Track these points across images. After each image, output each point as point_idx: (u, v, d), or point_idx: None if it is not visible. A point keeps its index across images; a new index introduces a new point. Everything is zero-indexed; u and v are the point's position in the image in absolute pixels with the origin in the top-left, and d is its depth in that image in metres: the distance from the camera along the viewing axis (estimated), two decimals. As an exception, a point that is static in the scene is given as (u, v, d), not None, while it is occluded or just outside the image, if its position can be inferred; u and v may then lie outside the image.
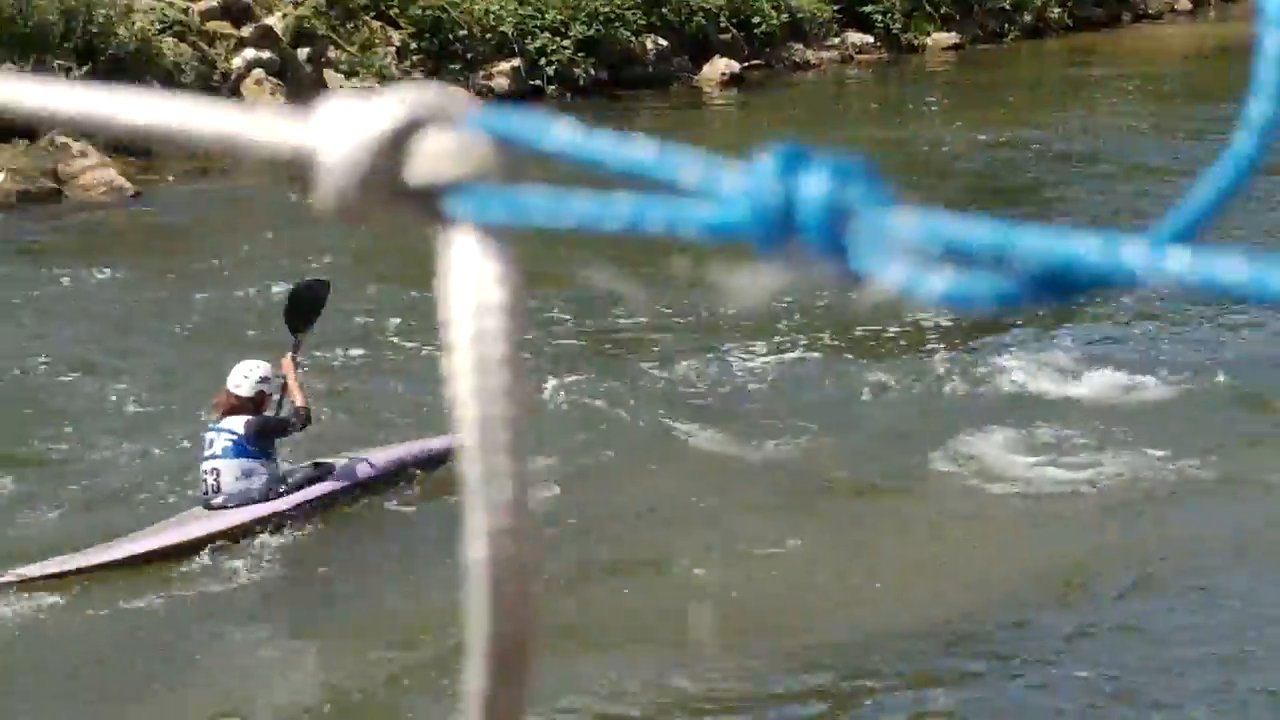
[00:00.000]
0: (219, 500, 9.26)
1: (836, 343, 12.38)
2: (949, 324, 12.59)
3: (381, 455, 9.85)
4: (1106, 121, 22.20)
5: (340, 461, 9.70)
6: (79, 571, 8.56)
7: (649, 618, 8.19)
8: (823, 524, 9.35)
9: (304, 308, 9.97)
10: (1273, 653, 7.87)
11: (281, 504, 9.28)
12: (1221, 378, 11.47)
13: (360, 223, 0.82)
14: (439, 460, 9.59)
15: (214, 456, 9.30)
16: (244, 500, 9.25)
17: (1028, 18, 29.28)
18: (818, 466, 10.07)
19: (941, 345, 12.23)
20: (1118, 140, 20.69)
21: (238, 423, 9.26)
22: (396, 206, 0.81)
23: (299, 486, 9.42)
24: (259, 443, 9.31)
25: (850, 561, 8.89)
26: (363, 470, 9.66)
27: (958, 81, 25.76)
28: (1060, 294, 0.65)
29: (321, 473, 9.57)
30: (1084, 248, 0.65)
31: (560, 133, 0.77)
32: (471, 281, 0.80)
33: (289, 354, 9.69)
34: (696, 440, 10.45)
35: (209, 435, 9.39)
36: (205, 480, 9.32)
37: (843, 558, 8.93)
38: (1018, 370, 11.59)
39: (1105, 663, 7.75)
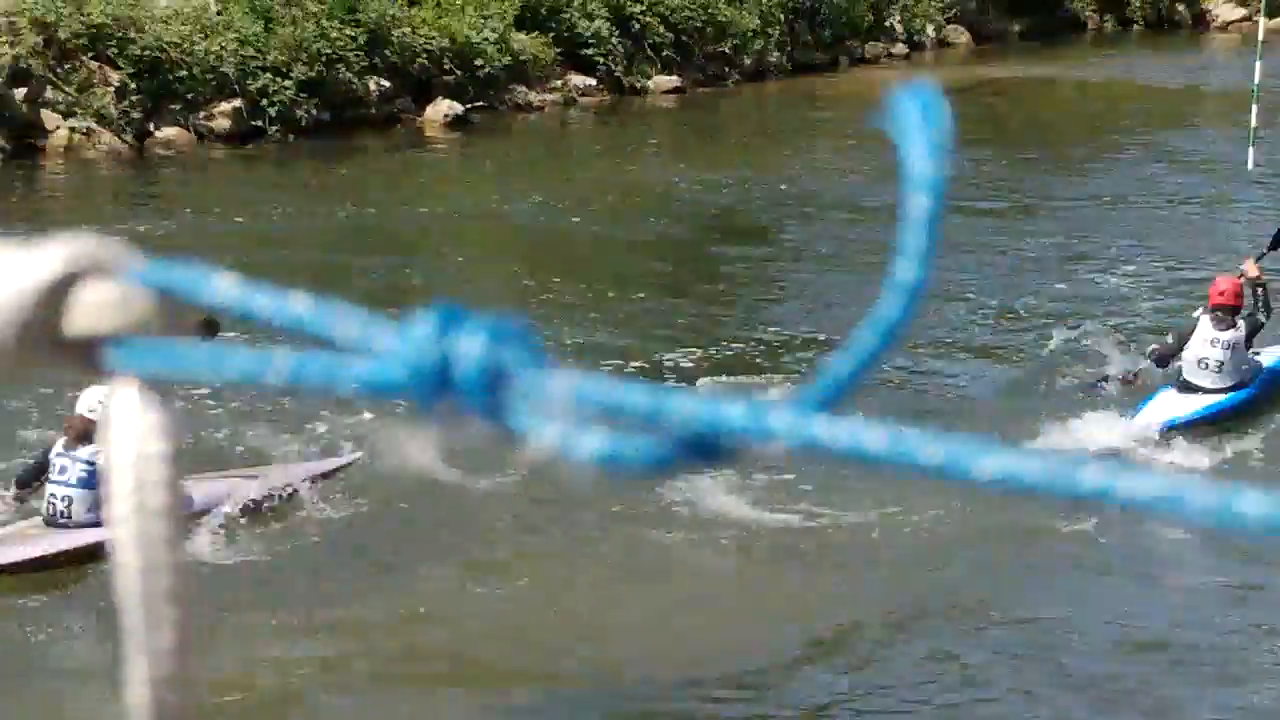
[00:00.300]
0: (71, 527, 9.14)
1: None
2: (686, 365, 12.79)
3: (224, 484, 9.86)
4: (828, 162, 22.77)
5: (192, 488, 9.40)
6: None
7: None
8: (558, 560, 9.42)
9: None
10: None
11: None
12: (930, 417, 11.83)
13: (19, 372, 0.81)
14: (320, 477, 10.00)
15: (67, 484, 9.17)
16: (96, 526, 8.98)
17: (748, 61, 29.85)
18: (546, 503, 10.10)
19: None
20: (839, 181, 21.25)
21: (93, 451, 8.97)
22: (56, 358, 0.80)
23: None
24: None
25: (591, 597, 8.94)
26: (214, 494, 9.59)
27: (680, 124, 26.15)
28: (710, 457, 0.67)
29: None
30: (732, 413, 0.66)
31: (221, 286, 0.77)
32: (131, 432, 0.79)
33: None
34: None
35: (60, 460, 9.20)
36: (53, 504, 9.20)
37: (582, 592, 8.99)
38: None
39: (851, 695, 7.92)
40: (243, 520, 9.59)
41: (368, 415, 10.77)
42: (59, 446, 9.28)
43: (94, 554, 8.67)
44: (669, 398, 0.69)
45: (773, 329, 14.37)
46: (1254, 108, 19.20)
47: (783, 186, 20.98)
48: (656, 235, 18.30)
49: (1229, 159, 21.77)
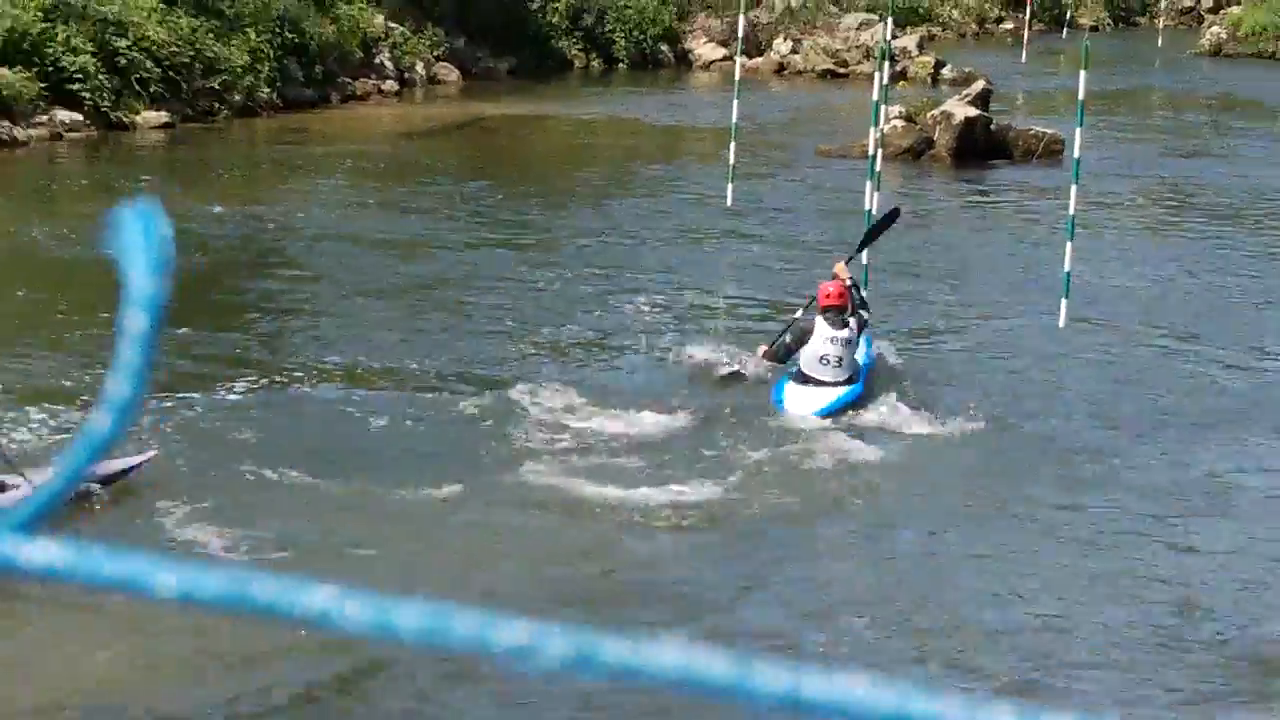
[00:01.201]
0: None
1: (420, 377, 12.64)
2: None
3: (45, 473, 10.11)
4: (322, 195, 23.34)
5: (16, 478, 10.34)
6: None
7: None
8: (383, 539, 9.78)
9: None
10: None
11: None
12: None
13: None
14: (114, 478, 10.87)
15: None
16: None
17: (239, 98, 30.11)
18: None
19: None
20: (335, 214, 21.85)
21: None
22: None
23: None
24: None
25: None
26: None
27: (172, 159, 26.24)
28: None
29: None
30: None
31: None
32: None
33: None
34: None
35: None
36: None
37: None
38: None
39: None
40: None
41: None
42: None
43: None
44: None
45: (292, 355, 14.83)
46: (732, 145, 20.77)
47: (276, 220, 21.47)
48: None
49: (711, 194, 23.38)
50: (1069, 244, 15.25)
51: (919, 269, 18.26)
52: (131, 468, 11.16)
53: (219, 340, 15.28)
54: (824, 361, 14.03)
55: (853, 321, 14.16)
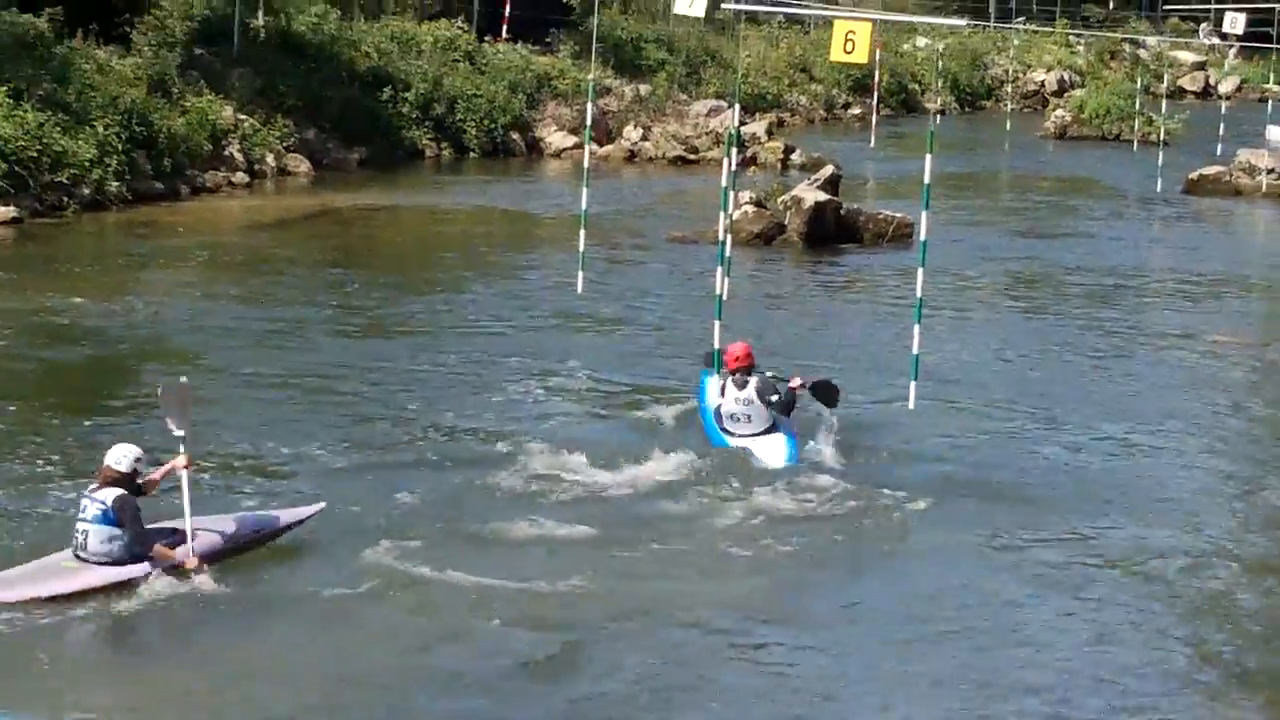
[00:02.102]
0: (85, 556, 11.51)
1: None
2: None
3: (222, 524, 12.21)
4: (186, 288, 23.36)
5: (187, 527, 11.82)
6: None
7: None
8: None
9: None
10: None
11: (138, 569, 11.50)
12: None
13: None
14: (276, 533, 12.41)
15: (85, 519, 11.57)
16: (106, 560, 11.48)
17: (87, 191, 30.04)
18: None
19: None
20: (199, 305, 21.94)
21: (109, 496, 11.55)
22: None
23: (151, 553, 11.58)
24: (121, 516, 11.50)
25: None
26: (211, 540, 11.93)
27: (22, 255, 26.08)
28: None
29: (177, 539, 11.77)
30: None
31: None
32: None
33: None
34: None
35: (84, 500, 11.66)
36: (76, 537, 11.59)
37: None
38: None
39: None
40: (205, 567, 11.70)
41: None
42: (89, 488, 11.69)
43: (113, 587, 11.30)
44: None
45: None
46: (582, 232, 21.09)
47: (141, 311, 21.58)
48: (14, 362, 18.49)
49: (562, 281, 23.72)
50: (916, 327, 15.69)
51: (774, 352, 18.66)
52: (301, 520, 12.63)
53: (114, 430, 15.41)
54: (733, 419, 15.67)
55: (755, 379, 15.67)
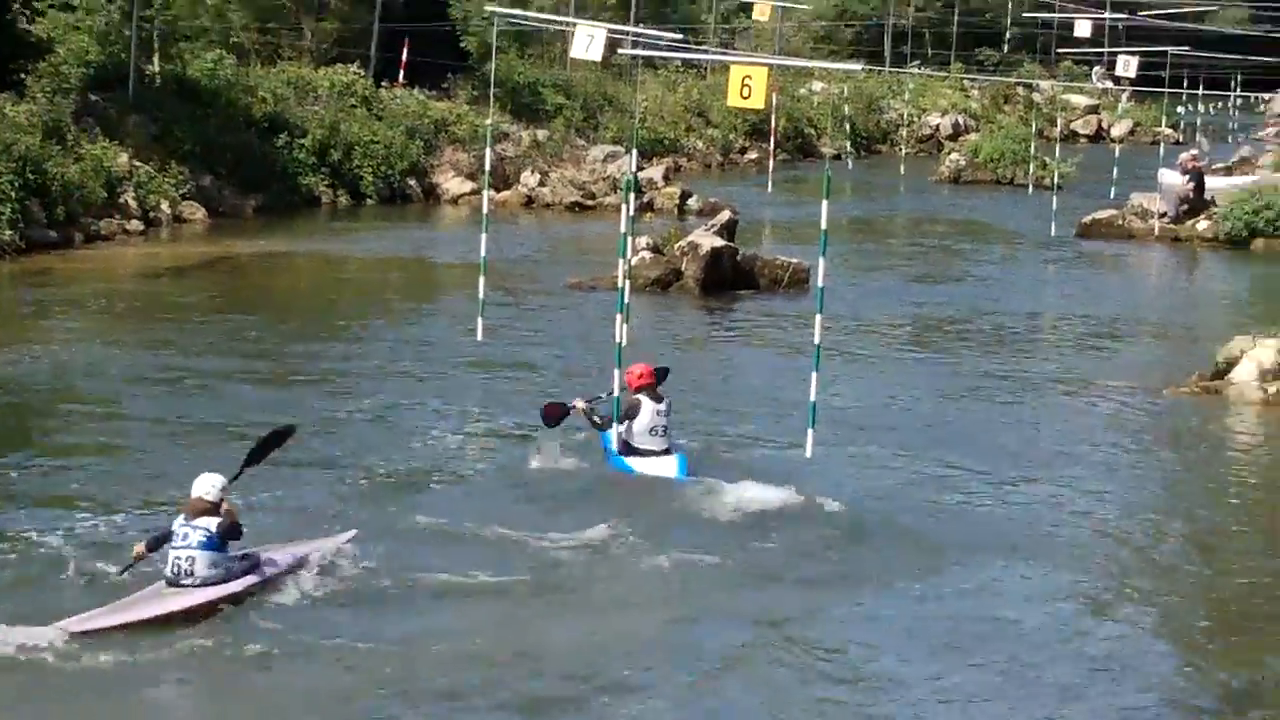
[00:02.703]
0: (189, 581, 12.50)
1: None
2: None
3: (287, 550, 13.36)
4: (85, 336, 23.29)
5: (261, 553, 13.10)
6: (124, 626, 11.79)
7: None
8: None
9: (266, 450, 13.88)
10: None
11: (237, 585, 12.62)
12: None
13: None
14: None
15: (189, 547, 12.53)
16: (212, 582, 12.52)
17: (-24, 240, 29.80)
18: None
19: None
20: (100, 353, 21.95)
21: (210, 523, 12.61)
22: None
23: (245, 572, 12.74)
24: (223, 540, 12.62)
25: None
26: (282, 560, 13.11)
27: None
28: None
29: (250, 563, 12.86)
30: None
31: None
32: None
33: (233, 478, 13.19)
34: None
35: (183, 529, 12.59)
36: (178, 565, 12.52)
37: None
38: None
39: None
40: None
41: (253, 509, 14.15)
42: (180, 520, 12.66)
43: (212, 609, 12.32)
44: None
45: (123, 493, 14.91)
46: (481, 279, 21.18)
47: (43, 359, 21.60)
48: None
49: (464, 326, 23.81)
50: (814, 373, 15.91)
51: (674, 397, 18.87)
52: (338, 547, 13.56)
53: (26, 478, 15.44)
54: (654, 433, 16.62)
55: (662, 392, 16.77)
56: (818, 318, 15.84)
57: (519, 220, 40.85)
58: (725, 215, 32.09)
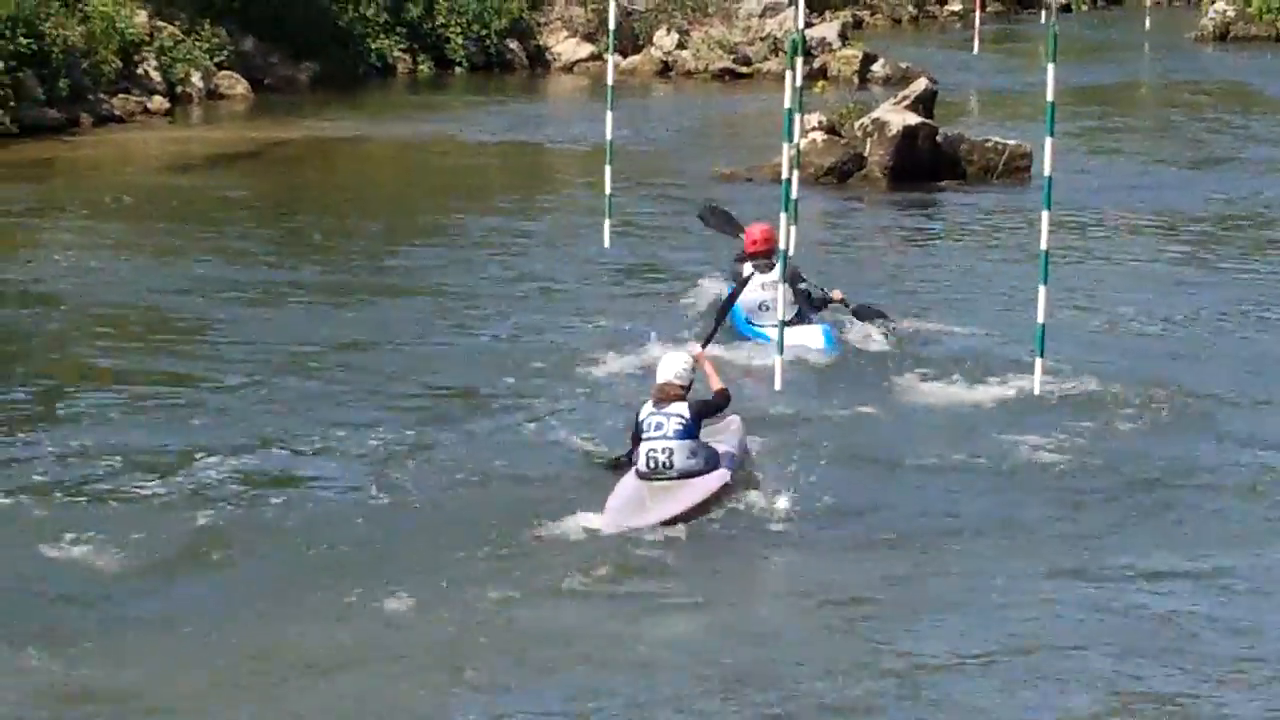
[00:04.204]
0: (673, 474, 14.12)
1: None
2: None
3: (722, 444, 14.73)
4: (89, 249, 23.51)
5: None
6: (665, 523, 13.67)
7: None
8: None
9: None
10: None
11: (714, 481, 14.14)
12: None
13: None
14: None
15: (665, 437, 14.12)
16: (691, 474, 14.10)
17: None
18: None
19: None
20: (104, 268, 22.19)
21: (683, 408, 14.23)
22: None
23: (713, 464, 14.28)
24: (698, 425, 14.23)
25: None
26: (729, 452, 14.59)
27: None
28: None
29: (711, 451, 14.41)
30: None
31: None
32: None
33: (700, 346, 15.40)
34: None
35: (655, 419, 14.18)
36: (653, 458, 14.13)
37: None
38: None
39: None
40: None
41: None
42: (649, 409, 14.28)
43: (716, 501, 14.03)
44: None
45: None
46: (607, 170, 21.24)
47: (77, 270, 22.21)
48: None
49: (584, 232, 23.87)
50: (1042, 289, 15.82)
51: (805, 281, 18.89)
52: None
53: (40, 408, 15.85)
54: (762, 308, 18.40)
55: (778, 265, 17.78)
56: (1044, 215, 15.79)
57: (653, 93, 40.86)
58: (921, 85, 31.87)
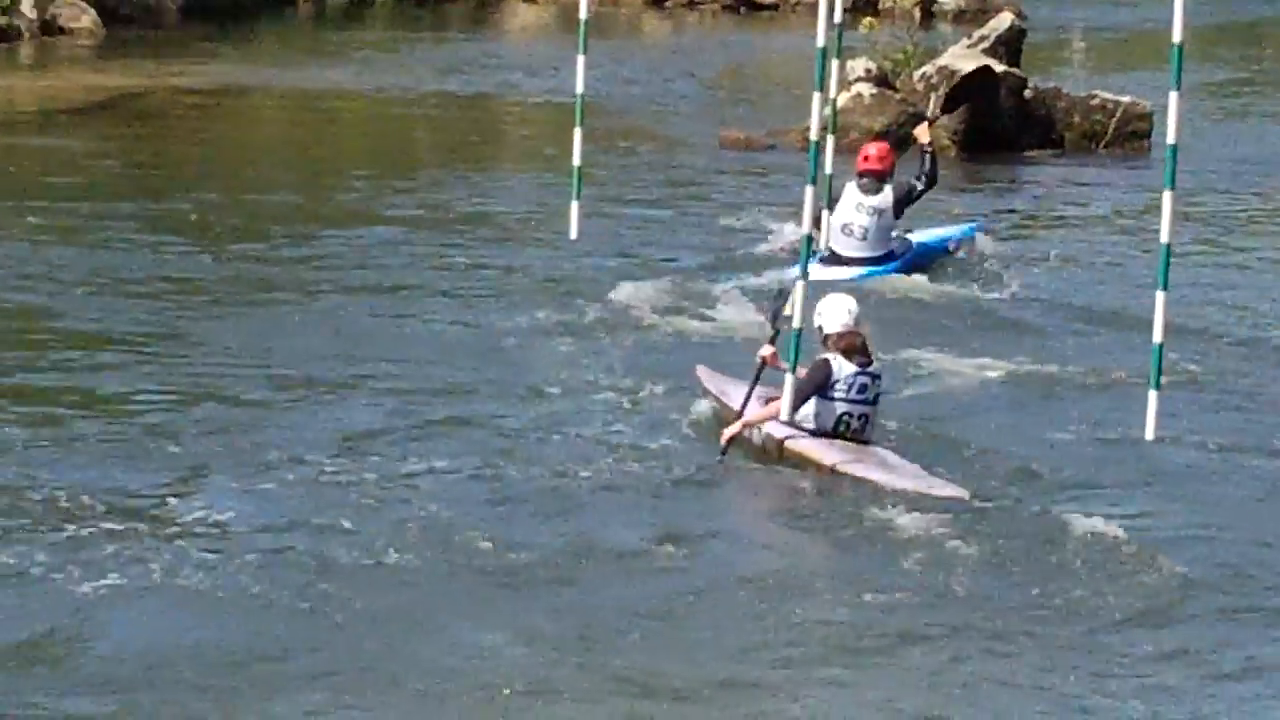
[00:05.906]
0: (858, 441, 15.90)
1: None
2: None
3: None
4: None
5: None
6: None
7: None
8: None
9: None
10: None
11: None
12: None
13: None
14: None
15: (866, 403, 15.84)
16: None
17: None
18: None
19: None
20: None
21: (878, 368, 15.98)
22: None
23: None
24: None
25: None
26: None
27: None
28: None
29: None
30: None
31: None
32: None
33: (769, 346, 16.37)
34: None
35: (859, 379, 15.72)
36: (850, 422, 15.83)
37: None
38: None
39: None
40: None
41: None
42: (845, 365, 15.78)
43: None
44: None
45: None
46: (577, 134, 21.14)
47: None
48: None
49: (544, 217, 23.88)
50: (1161, 295, 15.70)
51: (912, 326, 18.91)
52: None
53: None
54: (847, 231, 21.09)
55: (889, 190, 21.06)
56: (1167, 197, 15.66)
57: (642, 31, 41.01)
58: (1004, 21, 31.93)
